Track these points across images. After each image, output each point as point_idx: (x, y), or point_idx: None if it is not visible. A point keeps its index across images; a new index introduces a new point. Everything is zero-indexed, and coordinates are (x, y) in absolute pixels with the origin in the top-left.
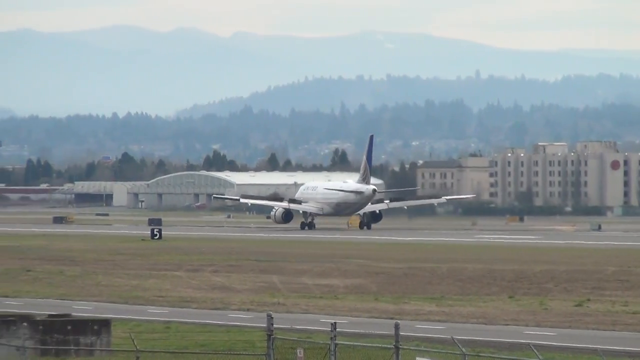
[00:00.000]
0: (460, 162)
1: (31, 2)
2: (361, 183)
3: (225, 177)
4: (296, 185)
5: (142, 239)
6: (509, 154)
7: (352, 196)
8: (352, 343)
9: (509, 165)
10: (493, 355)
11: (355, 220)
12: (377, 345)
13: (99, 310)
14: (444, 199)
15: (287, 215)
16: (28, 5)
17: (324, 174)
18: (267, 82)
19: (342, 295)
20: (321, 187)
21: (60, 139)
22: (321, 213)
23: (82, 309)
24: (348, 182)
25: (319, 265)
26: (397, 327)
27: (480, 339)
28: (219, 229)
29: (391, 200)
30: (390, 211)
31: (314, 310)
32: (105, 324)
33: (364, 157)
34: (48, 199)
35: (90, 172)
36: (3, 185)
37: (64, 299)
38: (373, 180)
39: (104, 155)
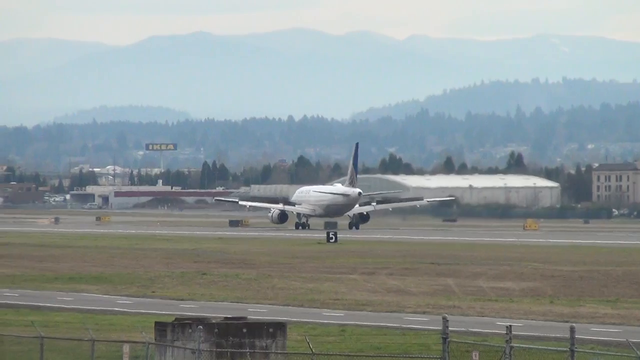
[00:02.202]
0: (635, 164)
1: (208, 6)
2: (348, 187)
3: (401, 180)
4: (471, 188)
5: (318, 242)
6: None
7: (340, 198)
8: (527, 346)
9: None
10: None
11: (531, 224)
12: (552, 348)
13: (274, 313)
14: (425, 200)
15: (283, 216)
16: (205, 8)
17: (499, 176)
18: (443, 85)
19: (517, 298)
20: (313, 190)
21: (236, 141)
22: (313, 214)
23: (258, 312)
24: (337, 185)
25: (495, 268)
26: (572, 330)
27: None
28: (393, 231)
29: (378, 203)
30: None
31: (490, 313)
32: (280, 326)
33: (350, 163)
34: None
35: (266, 175)
36: (179, 188)
37: (239, 302)
38: (548, 182)
39: (280, 159)
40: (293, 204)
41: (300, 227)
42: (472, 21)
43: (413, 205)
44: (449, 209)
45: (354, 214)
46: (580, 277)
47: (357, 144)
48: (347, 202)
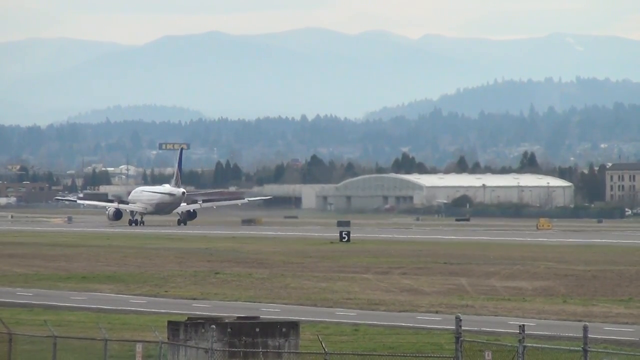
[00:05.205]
0: None
1: (222, 5)
2: (174, 187)
3: (414, 179)
4: (484, 188)
5: (331, 242)
6: None
7: (167, 197)
8: (540, 345)
9: None
10: None
11: (545, 223)
12: (565, 347)
13: (287, 313)
14: (246, 199)
15: (117, 214)
16: (219, 8)
17: (513, 176)
18: (456, 84)
19: (530, 297)
20: (144, 190)
21: (249, 141)
22: (145, 212)
23: (271, 311)
24: (165, 186)
25: (508, 267)
26: (585, 329)
27: None
28: (407, 231)
29: (204, 202)
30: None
31: (502, 313)
32: (293, 326)
33: (176, 166)
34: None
35: (279, 174)
36: (192, 188)
37: (252, 302)
38: (561, 182)
39: (292, 158)
40: (127, 203)
41: (133, 224)
42: (486, 21)
43: (235, 203)
44: (462, 208)
45: (182, 212)
46: (593, 277)
47: (181, 150)
48: (173, 201)
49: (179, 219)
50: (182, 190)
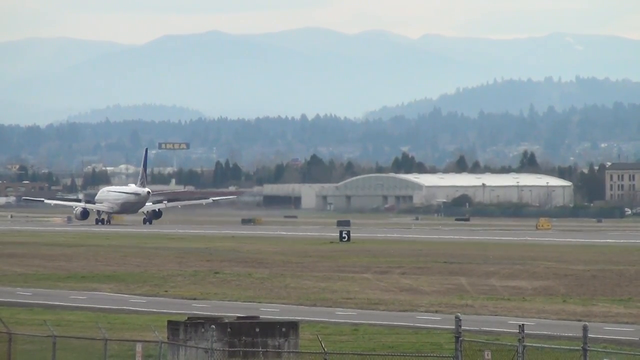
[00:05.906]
0: None
1: (221, 5)
2: (139, 187)
3: (414, 179)
4: (484, 187)
5: (331, 242)
6: None
7: (132, 197)
8: (540, 345)
9: None
10: None
11: (544, 223)
12: (565, 347)
13: (287, 313)
14: (211, 199)
15: (85, 213)
16: (218, 8)
17: (512, 175)
18: (456, 84)
19: (530, 297)
20: (111, 190)
21: (249, 140)
22: (111, 211)
23: (270, 311)
24: (131, 186)
25: (508, 267)
26: (585, 329)
27: None
28: (407, 230)
29: (169, 201)
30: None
31: (502, 312)
32: (293, 326)
33: (142, 166)
34: (236, 202)
35: (279, 174)
36: (192, 187)
37: (252, 302)
38: (560, 181)
39: (292, 158)
40: (93, 202)
41: (100, 223)
42: (486, 20)
43: (199, 203)
44: (461, 208)
45: (147, 211)
46: (593, 276)
47: (146, 149)
48: (139, 200)
49: (144, 218)
50: (147, 190)
